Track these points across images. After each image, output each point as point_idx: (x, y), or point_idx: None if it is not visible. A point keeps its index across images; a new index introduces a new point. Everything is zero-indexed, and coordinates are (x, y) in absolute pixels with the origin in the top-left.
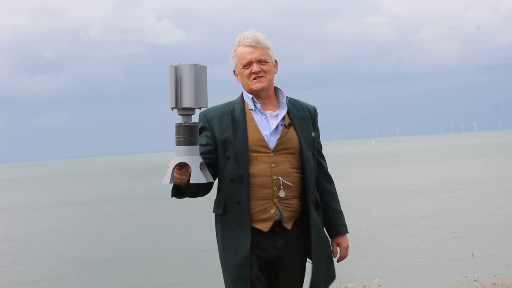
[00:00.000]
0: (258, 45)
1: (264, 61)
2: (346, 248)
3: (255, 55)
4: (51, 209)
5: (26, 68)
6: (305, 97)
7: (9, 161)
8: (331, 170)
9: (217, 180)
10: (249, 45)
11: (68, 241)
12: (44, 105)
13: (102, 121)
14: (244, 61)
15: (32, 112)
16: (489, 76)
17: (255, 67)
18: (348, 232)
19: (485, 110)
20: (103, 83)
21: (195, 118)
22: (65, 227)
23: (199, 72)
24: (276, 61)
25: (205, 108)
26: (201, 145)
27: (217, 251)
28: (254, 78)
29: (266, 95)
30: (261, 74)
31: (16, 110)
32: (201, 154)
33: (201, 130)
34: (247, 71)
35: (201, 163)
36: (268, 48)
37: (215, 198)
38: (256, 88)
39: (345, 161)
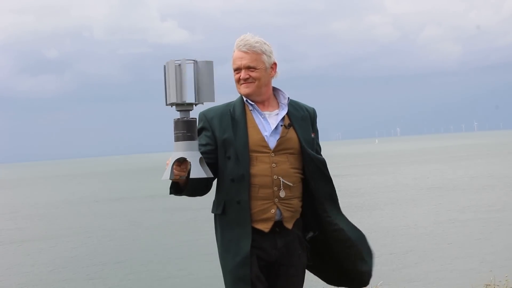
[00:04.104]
0: (249, 51)
1: (253, 68)
2: None
3: (244, 61)
4: (56, 209)
5: (28, 68)
6: (307, 97)
7: (11, 161)
8: (347, 170)
9: (215, 180)
10: (241, 50)
11: (76, 242)
12: (46, 104)
13: (104, 121)
14: (234, 66)
15: (34, 112)
16: (490, 76)
17: (243, 74)
18: None
19: (485, 110)
20: (106, 82)
21: (193, 114)
22: (72, 227)
23: (196, 67)
24: (275, 64)
25: (206, 107)
26: (201, 145)
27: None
28: (242, 84)
29: (259, 98)
30: (249, 81)
31: (18, 109)
32: (201, 154)
33: (201, 130)
34: (237, 76)
35: (200, 158)
36: (262, 53)
37: (214, 198)
38: (243, 93)
39: (356, 161)
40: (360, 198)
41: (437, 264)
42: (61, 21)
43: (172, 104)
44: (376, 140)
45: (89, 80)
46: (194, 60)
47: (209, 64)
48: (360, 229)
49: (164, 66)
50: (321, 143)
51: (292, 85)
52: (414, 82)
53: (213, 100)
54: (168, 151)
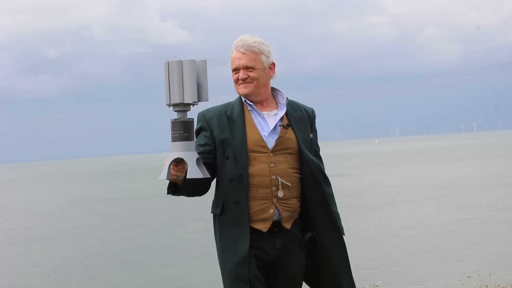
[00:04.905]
0: (247, 51)
1: (251, 68)
2: None
3: (242, 61)
4: (56, 210)
5: (28, 68)
6: (307, 97)
7: (11, 161)
8: (348, 170)
9: (215, 180)
10: (239, 51)
11: (77, 242)
12: (46, 104)
13: (104, 121)
14: (233, 66)
15: (34, 112)
16: (489, 76)
17: (241, 74)
18: (344, 234)
19: (484, 110)
20: (105, 83)
21: (191, 115)
22: (73, 228)
23: (193, 67)
24: (273, 64)
25: (205, 107)
26: (199, 145)
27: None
28: (241, 84)
29: (257, 99)
30: (247, 81)
31: (17, 109)
32: (200, 154)
33: (200, 130)
34: (235, 76)
35: (197, 159)
36: (260, 53)
37: (213, 198)
38: (242, 93)
39: (357, 161)
40: (362, 198)
41: (440, 265)
42: (61, 21)
43: (170, 105)
44: (376, 141)
45: (88, 80)
46: (191, 60)
47: (203, 63)
48: (349, 249)
49: (164, 66)
50: (320, 143)
51: (291, 85)
52: (413, 82)
53: (207, 100)
54: (168, 151)
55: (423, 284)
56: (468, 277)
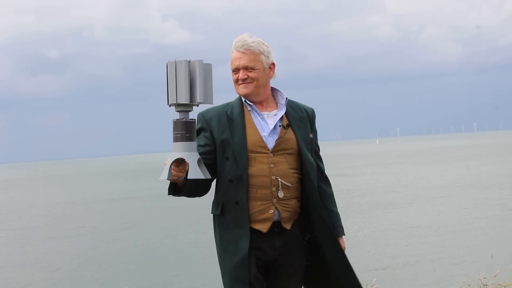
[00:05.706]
0: (247, 51)
1: (251, 68)
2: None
3: (242, 62)
4: (56, 210)
5: (29, 68)
6: (307, 98)
7: (10, 162)
8: (349, 170)
9: (215, 180)
10: (239, 51)
11: (79, 242)
12: (46, 105)
13: (104, 121)
14: (233, 67)
15: (34, 112)
16: (490, 76)
17: (241, 74)
18: (344, 234)
19: (485, 110)
20: (106, 83)
21: (191, 115)
22: (74, 228)
23: (196, 68)
24: (273, 64)
25: (205, 108)
26: (200, 145)
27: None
28: (241, 84)
29: (257, 99)
30: (247, 81)
31: (18, 110)
32: (200, 154)
33: (200, 130)
34: (235, 77)
35: (198, 159)
36: (260, 53)
37: (213, 199)
38: (241, 93)
39: (359, 161)
40: (364, 198)
41: (444, 265)
42: (62, 22)
43: (172, 105)
44: (377, 141)
45: (89, 81)
46: (194, 61)
47: (208, 66)
48: (349, 257)
49: (166, 66)
50: (320, 143)
51: (292, 85)
52: (414, 82)
53: (211, 103)
54: (168, 151)
55: (427, 285)
56: (486, 276)
